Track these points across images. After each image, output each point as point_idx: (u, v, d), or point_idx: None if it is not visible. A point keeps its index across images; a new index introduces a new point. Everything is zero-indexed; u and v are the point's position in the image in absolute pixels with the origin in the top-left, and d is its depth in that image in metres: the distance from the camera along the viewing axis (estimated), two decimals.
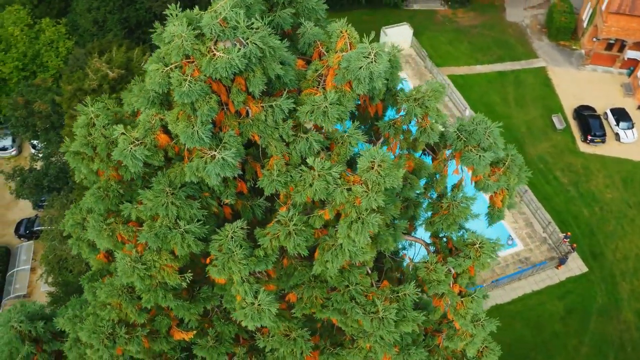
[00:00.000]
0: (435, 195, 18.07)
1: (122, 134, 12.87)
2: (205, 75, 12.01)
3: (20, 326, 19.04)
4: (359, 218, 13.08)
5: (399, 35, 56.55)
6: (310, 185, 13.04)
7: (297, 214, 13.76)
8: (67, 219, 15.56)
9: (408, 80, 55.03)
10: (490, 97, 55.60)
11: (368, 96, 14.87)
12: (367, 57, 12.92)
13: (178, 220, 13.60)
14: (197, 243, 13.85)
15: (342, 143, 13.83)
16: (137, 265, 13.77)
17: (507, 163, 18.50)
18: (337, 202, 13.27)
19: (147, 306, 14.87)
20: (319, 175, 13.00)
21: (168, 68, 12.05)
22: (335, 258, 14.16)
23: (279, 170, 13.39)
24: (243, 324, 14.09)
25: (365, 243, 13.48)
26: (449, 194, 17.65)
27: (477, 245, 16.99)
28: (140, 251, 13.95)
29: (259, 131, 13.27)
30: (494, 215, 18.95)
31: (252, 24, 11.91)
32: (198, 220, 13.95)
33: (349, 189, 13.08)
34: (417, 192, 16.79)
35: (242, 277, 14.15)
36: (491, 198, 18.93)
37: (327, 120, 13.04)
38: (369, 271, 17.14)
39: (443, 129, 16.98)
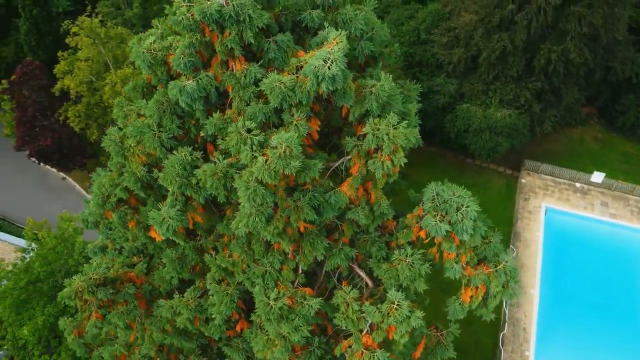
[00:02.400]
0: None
1: (151, 43, 16.80)
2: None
3: None
4: (247, 183, 14.69)
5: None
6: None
7: (226, 163, 15.93)
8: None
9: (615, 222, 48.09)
10: None
11: (346, 107, 16.14)
12: (325, 62, 14.45)
13: (157, 126, 17.02)
14: (161, 149, 17.09)
15: (287, 125, 15.49)
16: (116, 140, 17.69)
17: (499, 267, 17.45)
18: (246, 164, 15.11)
19: (127, 185, 18.59)
20: (239, 133, 15.02)
21: (185, 3, 15.52)
22: (242, 220, 15.86)
23: (222, 118, 15.80)
24: (155, 227, 16.88)
25: (248, 210, 14.95)
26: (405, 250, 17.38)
27: (394, 306, 16.58)
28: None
29: (232, 84, 15.87)
30: (453, 307, 17.87)
31: None
32: (173, 135, 17.16)
33: (255, 157, 14.77)
34: (365, 222, 17.05)
35: (173, 191, 16.92)
36: (463, 289, 17.93)
37: (272, 96, 14.98)
38: (300, 271, 18.12)
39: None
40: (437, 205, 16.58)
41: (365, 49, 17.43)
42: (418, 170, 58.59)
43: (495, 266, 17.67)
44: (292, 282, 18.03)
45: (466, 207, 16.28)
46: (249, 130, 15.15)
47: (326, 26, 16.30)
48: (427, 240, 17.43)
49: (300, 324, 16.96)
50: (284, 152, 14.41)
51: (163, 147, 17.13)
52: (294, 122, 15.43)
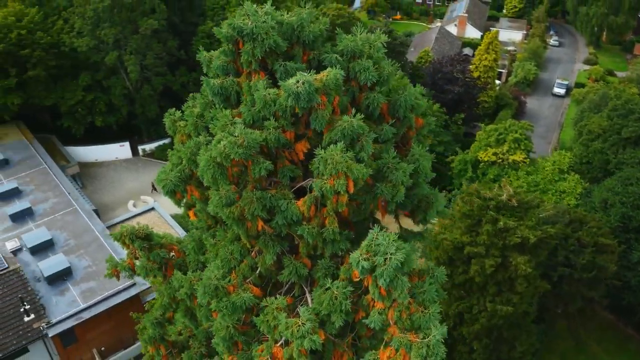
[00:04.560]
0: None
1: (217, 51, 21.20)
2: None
3: None
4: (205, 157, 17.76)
5: None
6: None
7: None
8: None
9: None
10: None
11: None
12: (297, 82, 17.08)
13: (199, 116, 21.28)
14: (195, 132, 21.23)
15: (264, 130, 18.21)
16: (174, 119, 22.33)
17: (426, 340, 17.35)
18: None
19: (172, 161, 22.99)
20: (224, 122, 18.25)
21: (233, 22, 19.64)
22: (212, 198, 18.83)
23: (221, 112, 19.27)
24: (156, 183, 20.84)
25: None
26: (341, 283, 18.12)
27: (299, 322, 17.53)
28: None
29: (246, 91, 19.28)
30: None
31: (265, 19, 18.26)
32: (206, 125, 21.14)
33: (220, 141, 17.72)
34: (310, 240, 18.32)
35: (185, 163, 20.67)
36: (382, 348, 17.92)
37: (258, 102, 18.05)
38: (257, 272, 20.06)
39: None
40: (370, 247, 17.24)
41: (376, 100, 19.34)
42: (604, 346, 52.78)
43: (423, 337, 17.24)
44: (245, 278, 19.98)
45: (391, 254, 16.65)
46: (233, 123, 18.29)
47: (339, 68, 18.83)
48: (357, 279, 18.00)
49: (226, 307, 18.77)
50: (240, 141, 17.20)
51: (196, 130, 21.17)
52: (270, 129, 18.12)
